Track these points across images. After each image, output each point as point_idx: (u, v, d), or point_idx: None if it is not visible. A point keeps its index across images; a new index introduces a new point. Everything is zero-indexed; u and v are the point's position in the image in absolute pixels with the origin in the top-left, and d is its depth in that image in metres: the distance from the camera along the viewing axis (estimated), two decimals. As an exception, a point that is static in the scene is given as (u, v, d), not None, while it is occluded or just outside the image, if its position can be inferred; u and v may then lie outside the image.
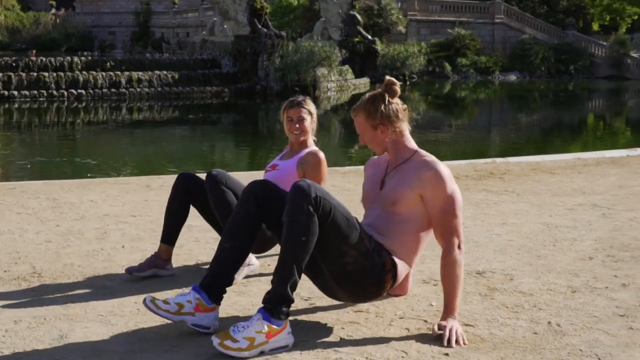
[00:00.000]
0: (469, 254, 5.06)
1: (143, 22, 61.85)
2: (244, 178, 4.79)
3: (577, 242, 5.44)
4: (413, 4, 48.50)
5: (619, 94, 39.60)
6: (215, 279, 3.65)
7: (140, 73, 26.78)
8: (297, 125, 4.78)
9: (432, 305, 4.03)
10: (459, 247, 3.67)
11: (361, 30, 39.74)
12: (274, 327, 3.36)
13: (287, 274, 3.37)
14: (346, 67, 33.32)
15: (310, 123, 4.83)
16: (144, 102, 25.49)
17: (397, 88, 3.82)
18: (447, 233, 3.67)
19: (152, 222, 6.08)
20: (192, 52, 33.52)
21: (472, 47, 47.58)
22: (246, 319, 3.57)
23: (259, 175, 8.49)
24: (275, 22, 38.42)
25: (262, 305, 3.41)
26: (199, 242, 5.46)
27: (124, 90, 25.92)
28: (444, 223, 3.67)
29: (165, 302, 3.59)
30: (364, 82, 34.93)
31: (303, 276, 3.52)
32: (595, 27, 60.75)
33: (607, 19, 59.27)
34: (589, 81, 47.15)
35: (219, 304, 3.65)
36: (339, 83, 31.23)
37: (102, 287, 4.35)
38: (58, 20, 61.87)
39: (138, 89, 26.22)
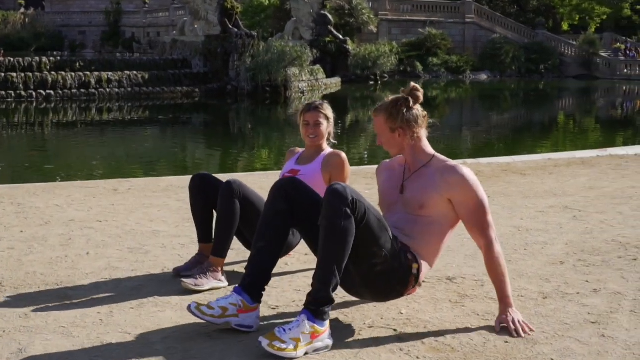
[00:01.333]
0: (439, 258, 4.99)
1: (113, 22, 61.41)
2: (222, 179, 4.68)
3: (548, 246, 5.40)
4: (384, 4, 48.56)
5: (588, 93, 39.87)
6: (254, 280, 3.69)
7: (110, 73, 26.55)
8: (313, 130, 4.77)
9: (401, 313, 3.95)
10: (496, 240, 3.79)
11: (332, 30, 39.70)
12: (318, 327, 3.43)
13: (329, 276, 3.44)
14: (317, 66, 33.24)
15: (327, 127, 4.82)
16: (113, 103, 25.27)
17: (421, 95, 3.87)
18: (485, 229, 3.78)
19: (118, 227, 5.97)
20: (162, 52, 33.31)
21: (443, 47, 47.74)
22: (204, 326, 3.50)
23: (237, 177, 8.40)
24: (246, 21, 38.29)
25: (305, 307, 3.47)
26: (165, 248, 5.35)
27: (93, 90, 25.67)
28: (480, 221, 3.77)
29: (210, 307, 3.62)
30: (336, 82, 34.90)
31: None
32: (565, 26, 61.12)
33: (577, 18, 59.68)
34: (559, 80, 47.47)
35: (260, 302, 3.71)
36: (311, 83, 31.15)
37: (65, 296, 4.23)
38: (27, 19, 61.29)
39: (108, 90, 25.98)
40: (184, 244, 5.45)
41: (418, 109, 3.87)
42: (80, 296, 4.24)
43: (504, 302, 3.77)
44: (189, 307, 3.63)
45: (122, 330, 3.67)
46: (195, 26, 32.92)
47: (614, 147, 14.52)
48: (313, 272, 3.50)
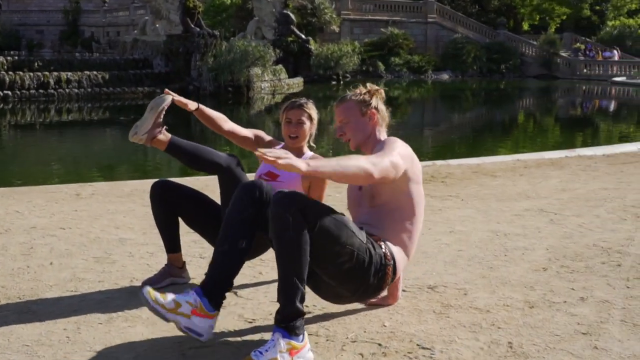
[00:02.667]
0: (418, 265, 4.85)
1: (72, 21, 60.69)
2: (186, 184, 4.46)
3: (529, 252, 5.26)
4: (346, 3, 48.52)
5: (549, 93, 40.12)
6: (215, 286, 3.43)
7: (69, 73, 26.13)
8: (295, 129, 4.45)
9: (385, 325, 3.78)
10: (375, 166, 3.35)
11: (295, 29, 39.55)
12: (295, 343, 3.25)
13: (293, 290, 3.26)
14: (280, 66, 33.07)
15: (310, 128, 4.51)
16: (73, 104, 24.85)
17: (384, 95, 3.93)
18: (378, 154, 3.50)
19: (82, 235, 5.72)
20: (123, 52, 32.88)
21: (405, 47, 47.86)
22: (178, 343, 3.30)
23: (203, 180, 8.19)
24: (208, 21, 38.01)
25: (276, 324, 3.27)
26: (133, 257, 5.12)
27: (52, 91, 25.23)
28: (380, 152, 3.53)
29: (164, 295, 3.32)
30: (298, 81, 34.73)
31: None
32: (526, 26, 61.65)
33: (537, 18, 60.21)
34: (520, 80, 47.79)
35: (219, 311, 3.44)
36: (273, 83, 30.96)
37: (28, 311, 3.98)
38: (-17, 18, 60.31)
39: (67, 90, 25.56)
40: (153, 252, 5.23)
41: (384, 106, 3.93)
42: (44, 311, 4.00)
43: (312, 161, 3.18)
44: (141, 292, 3.32)
45: (90, 349, 3.45)
46: (157, 25, 32.54)
47: (579, 147, 14.55)
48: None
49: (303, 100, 4.54)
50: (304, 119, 4.44)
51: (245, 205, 3.48)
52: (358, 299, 3.76)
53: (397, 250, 3.68)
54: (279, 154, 2.96)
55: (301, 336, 3.28)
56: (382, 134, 3.88)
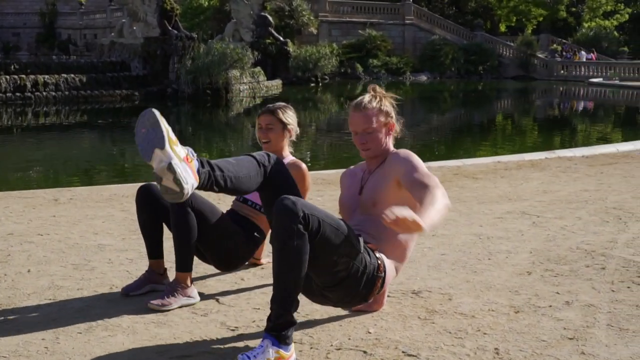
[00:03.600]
0: (401, 271, 4.79)
1: (49, 23, 60.31)
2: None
3: (513, 255, 5.23)
4: (324, 5, 48.50)
5: (527, 93, 40.30)
6: (212, 171, 3.52)
7: (46, 76, 25.95)
8: (265, 134, 4.52)
9: (369, 332, 3.72)
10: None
11: (273, 31, 39.50)
12: (283, 352, 3.23)
13: (288, 298, 3.24)
14: (258, 69, 33.01)
15: (282, 133, 4.54)
16: (50, 107, 24.66)
17: None
18: (428, 180, 3.50)
19: (60, 241, 5.64)
20: (100, 55, 32.71)
21: (383, 48, 47.93)
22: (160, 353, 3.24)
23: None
24: (185, 23, 37.84)
25: (267, 332, 3.25)
26: (112, 264, 5.04)
27: (29, 94, 25.03)
28: (423, 178, 3.54)
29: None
30: (276, 83, 34.68)
31: None
32: (502, 28, 61.91)
33: (514, 20, 60.47)
34: (497, 81, 47.97)
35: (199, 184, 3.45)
36: (251, 85, 30.88)
37: (5, 321, 3.90)
38: (-42, 21, 59.81)
39: (44, 93, 25.37)
40: (132, 258, 5.15)
41: None
42: (21, 320, 3.91)
43: (424, 214, 3.19)
44: (150, 110, 3.39)
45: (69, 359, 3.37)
46: (134, 28, 32.37)
47: (558, 148, 14.58)
48: (270, 289, 3.26)
49: (277, 105, 4.60)
50: (274, 124, 4.50)
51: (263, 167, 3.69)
52: (341, 305, 3.78)
53: (389, 264, 3.67)
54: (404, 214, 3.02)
55: (290, 346, 3.26)
56: (391, 144, 3.87)
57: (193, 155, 3.40)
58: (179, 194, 3.27)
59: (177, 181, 3.24)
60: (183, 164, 3.30)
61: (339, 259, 3.39)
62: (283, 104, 4.68)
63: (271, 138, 4.51)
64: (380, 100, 3.76)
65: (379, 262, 3.59)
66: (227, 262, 4.49)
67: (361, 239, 3.52)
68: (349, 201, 3.90)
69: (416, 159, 3.67)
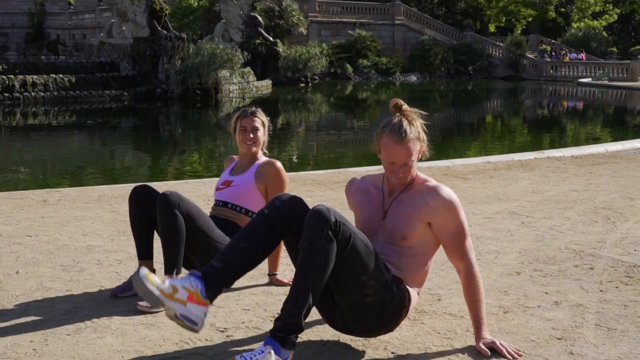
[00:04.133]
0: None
1: (37, 24, 60.09)
2: (159, 188, 4.38)
3: (502, 255, 5.24)
4: (314, 6, 48.48)
5: (516, 93, 40.37)
6: (217, 275, 3.26)
7: (35, 76, 25.85)
8: (251, 136, 4.58)
9: (359, 333, 3.72)
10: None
11: (262, 31, 39.46)
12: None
13: (303, 301, 3.16)
14: (248, 69, 33.00)
15: (263, 134, 4.64)
16: (39, 107, 24.57)
17: None
18: (465, 253, 3.53)
19: (49, 242, 5.62)
20: (89, 55, 32.58)
21: (373, 48, 47.94)
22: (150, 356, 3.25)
23: (173, 185, 8.11)
24: (174, 23, 37.82)
25: (273, 332, 3.18)
26: (101, 265, 5.03)
27: (17, 94, 24.94)
28: (460, 245, 3.52)
29: (162, 280, 3.19)
30: (266, 84, 34.68)
31: None
32: (492, 28, 62.02)
33: (503, 20, 60.56)
34: (487, 81, 48.06)
35: (212, 301, 3.26)
36: (241, 85, 30.86)
37: (-6, 322, 3.89)
38: (-54, 21, 59.54)
39: (33, 93, 25.28)
40: (121, 259, 5.14)
41: None
42: (10, 322, 3.90)
43: (483, 326, 3.53)
44: (137, 274, 3.14)
45: (58, 361, 3.37)
46: (123, 28, 32.26)
47: (547, 148, 14.61)
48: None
49: (254, 108, 4.69)
50: (258, 125, 4.59)
51: (280, 214, 3.39)
52: (366, 335, 3.59)
53: (413, 293, 3.57)
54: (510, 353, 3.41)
55: (290, 352, 3.19)
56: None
57: (195, 284, 3.20)
58: (195, 330, 3.22)
59: (188, 326, 3.17)
60: (189, 305, 3.15)
61: (368, 280, 3.30)
62: (255, 107, 4.78)
63: (255, 140, 4.60)
64: (411, 125, 3.48)
65: (406, 294, 3.49)
66: None
67: (389, 269, 3.44)
68: (370, 223, 3.63)
69: (459, 213, 3.50)
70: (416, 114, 3.55)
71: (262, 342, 3.23)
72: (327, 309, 3.51)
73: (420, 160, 3.57)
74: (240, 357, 3.12)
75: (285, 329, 3.16)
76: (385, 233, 3.56)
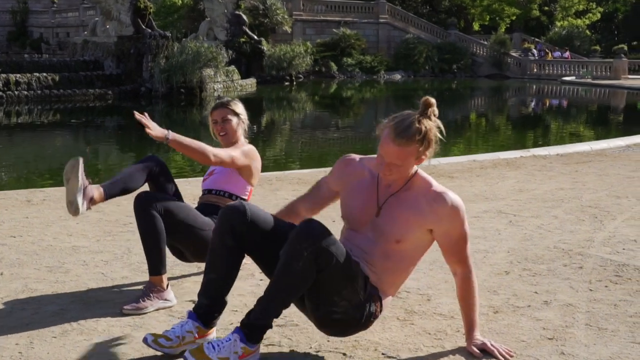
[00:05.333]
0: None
1: (20, 22, 59.70)
2: (143, 188, 4.33)
3: (490, 255, 5.22)
4: (298, 4, 48.45)
5: (501, 92, 40.47)
6: (207, 311, 3.43)
7: (18, 75, 25.63)
8: (222, 127, 4.58)
9: (349, 334, 3.69)
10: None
11: (247, 30, 39.37)
12: (249, 348, 3.21)
13: (273, 309, 3.19)
14: (232, 67, 32.91)
15: (238, 124, 4.62)
16: (22, 106, 24.39)
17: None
18: (464, 258, 3.48)
19: (34, 243, 5.56)
20: (73, 53, 32.35)
21: (358, 47, 47.95)
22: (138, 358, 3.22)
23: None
24: (159, 22, 37.67)
25: (241, 326, 3.22)
26: (87, 265, 4.98)
27: (0, 93, 24.72)
28: (461, 250, 3.46)
29: (167, 338, 3.37)
30: (251, 82, 34.62)
31: None
32: (476, 27, 62.20)
33: (487, 19, 60.74)
34: (471, 80, 48.16)
35: (215, 326, 3.52)
36: (226, 84, 30.75)
37: (-22, 325, 3.84)
38: None
39: (16, 92, 25.06)
40: (107, 260, 5.09)
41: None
42: (-5, 324, 3.85)
43: (475, 329, 3.52)
44: (145, 340, 3.36)
45: (44, 365, 3.32)
46: (107, 26, 32.10)
47: (532, 146, 14.65)
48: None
49: (227, 99, 4.71)
50: (229, 116, 4.59)
51: (225, 237, 3.31)
52: (330, 335, 3.53)
53: (385, 300, 3.46)
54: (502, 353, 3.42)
55: (257, 344, 3.25)
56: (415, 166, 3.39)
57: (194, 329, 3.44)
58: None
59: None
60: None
61: (340, 301, 3.23)
62: (230, 98, 4.78)
63: (228, 130, 4.58)
64: (424, 136, 3.20)
65: (377, 307, 3.38)
66: (203, 253, 4.39)
67: (368, 285, 3.33)
68: (360, 217, 3.43)
69: (464, 219, 3.42)
70: (437, 126, 3.27)
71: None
72: (298, 303, 3.42)
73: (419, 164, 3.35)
74: (209, 344, 3.16)
75: (250, 327, 3.19)
76: (376, 231, 3.37)
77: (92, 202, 4.09)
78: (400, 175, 3.32)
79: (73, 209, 4.00)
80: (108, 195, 4.20)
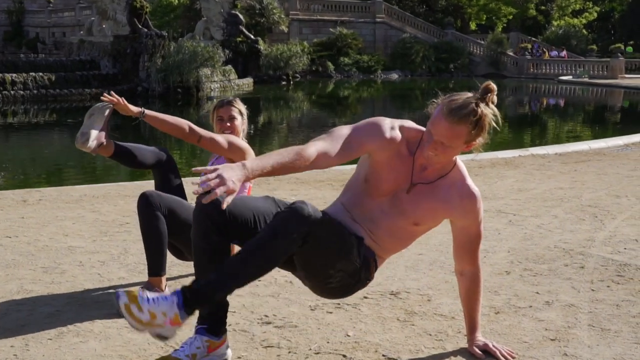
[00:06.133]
0: (379, 271, 4.70)
1: (16, 21, 59.57)
2: (142, 188, 4.28)
3: (491, 255, 5.17)
4: (295, 4, 48.40)
5: (498, 91, 40.22)
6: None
7: (14, 75, 25.57)
8: (229, 124, 4.51)
9: (348, 335, 3.64)
10: None
11: (243, 29, 39.33)
12: (214, 340, 3.17)
13: (234, 284, 2.98)
14: (229, 67, 32.85)
15: (241, 123, 4.58)
16: (18, 106, 24.33)
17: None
18: (476, 258, 3.47)
19: (29, 243, 5.50)
20: (69, 53, 32.33)
21: (354, 46, 47.89)
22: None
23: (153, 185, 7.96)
24: (155, 21, 37.57)
25: (199, 323, 3.17)
26: (83, 266, 4.92)
27: (-4, 93, 24.68)
28: (475, 250, 3.44)
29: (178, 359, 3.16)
30: (248, 82, 34.58)
31: None
32: (473, 26, 62.15)
33: (484, 18, 60.69)
34: (468, 79, 48.00)
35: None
36: (223, 84, 30.71)
37: (-27, 327, 3.78)
38: None
39: (12, 92, 25.00)
40: (104, 261, 5.03)
41: None
42: (-10, 326, 3.79)
43: (477, 327, 3.49)
44: (116, 302, 3.00)
45: (39, 367, 3.27)
46: (103, 26, 32.08)
47: (530, 146, 14.60)
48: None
49: (231, 97, 4.68)
50: (235, 114, 4.54)
51: (211, 234, 3.09)
52: (322, 297, 3.47)
53: (381, 262, 3.39)
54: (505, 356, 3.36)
55: (222, 335, 3.21)
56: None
57: (173, 308, 2.96)
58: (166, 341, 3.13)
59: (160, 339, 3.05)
60: (166, 327, 2.97)
61: (335, 273, 3.16)
62: (232, 97, 4.75)
63: (233, 128, 4.53)
64: (478, 119, 3.02)
65: (373, 272, 3.32)
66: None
67: (362, 249, 3.21)
68: (389, 189, 3.23)
69: (482, 220, 3.37)
70: (492, 113, 3.08)
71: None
72: (290, 268, 3.26)
73: (466, 152, 3.27)
74: (175, 352, 3.12)
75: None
76: (396, 207, 3.23)
77: (100, 146, 4.16)
78: (445, 158, 3.16)
79: (83, 139, 4.11)
80: (116, 152, 4.27)
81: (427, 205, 3.22)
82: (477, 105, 3.03)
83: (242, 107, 4.61)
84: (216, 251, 3.10)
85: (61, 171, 12.92)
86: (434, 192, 3.21)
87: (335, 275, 3.17)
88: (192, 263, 4.57)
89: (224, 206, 2.70)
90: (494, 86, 3.12)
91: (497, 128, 3.11)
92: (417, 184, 3.21)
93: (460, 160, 3.30)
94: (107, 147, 4.23)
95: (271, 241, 2.92)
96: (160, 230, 4.02)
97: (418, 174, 3.22)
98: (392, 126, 3.21)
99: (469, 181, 3.28)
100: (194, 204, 4.24)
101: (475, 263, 3.46)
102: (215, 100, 26.90)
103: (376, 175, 3.23)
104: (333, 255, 3.12)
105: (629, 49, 53.65)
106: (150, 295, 2.93)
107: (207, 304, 3.03)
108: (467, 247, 3.41)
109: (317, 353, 3.45)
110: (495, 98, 3.11)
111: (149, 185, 8.04)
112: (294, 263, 3.15)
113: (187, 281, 4.52)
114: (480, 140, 3.11)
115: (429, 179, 3.22)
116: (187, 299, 2.91)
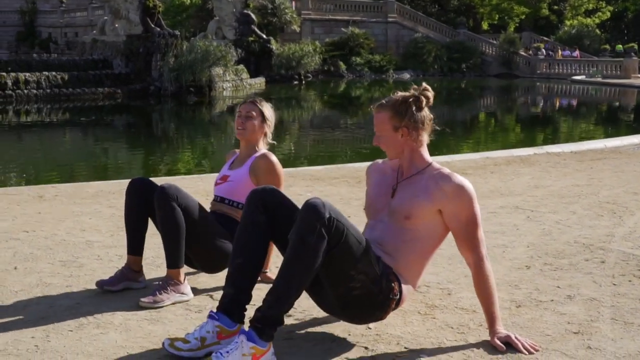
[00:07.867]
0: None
1: (29, 22, 59.81)
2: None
3: (510, 250, 5.14)
4: (307, 3, 48.42)
5: (510, 91, 40.34)
6: (234, 300, 3.35)
7: (27, 74, 25.67)
8: (243, 121, 4.40)
9: (369, 328, 3.62)
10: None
11: (256, 29, 39.34)
12: (259, 347, 3.10)
13: (286, 297, 3.12)
14: (241, 66, 32.89)
15: (261, 125, 4.44)
16: (32, 105, 24.43)
17: (432, 96, 3.51)
18: (476, 245, 3.47)
19: (46, 237, 5.50)
20: (82, 53, 32.44)
21: (366, 46, 47.87)
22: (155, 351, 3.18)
23: (172, 180, 7.94)
24: (167, 21, 37.59)
25: (252, 321, 3.14)
26: (101, 260, 4.92)
27: (10, 92, 24.75)
28: (472, 235, 3.46)
29: (185, 340, 3.28)
30: (260, 81, 34.60)
31: None
32: (485, 26, 62.03)
33: (496, 18, 60.56)
34: (480, 79, 48.01)
35: (243, 323, 3.37)
36: (235, 83, 30.74)
37: (-7, 319, 3.77)
38: (-64, 19, 59.17)
39: (25, 91, 25.10)
40: (121, 255, 5.01)
41: (426, 111, 3.52)
42: (10, 318, 3.78)
43: (497, 320, 3.45)
44: (163, 344, 3.28)
45: (61, 358, 3.26)
46: (116, 25, 32.14)
47: (544, 144, 14.53)
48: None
49: (258, 98, 4.56)
50: (254, 113, 4.42)
51: (257, 213, 3.37)
52: (352, 322, 3.56)
53: (405, 284, 3.47)
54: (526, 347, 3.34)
55: (268, 342, 3.14)
56: (423, 146, 3.56)
57: (218, 323, 3.34)
58: None
59: None
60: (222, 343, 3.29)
61: (357, 275, 3.24)
62: (261, 98, 4.63)
63: (247, 127, 4.40)
64: (395, 103, 3.46)
65: (394, 285, 3.39)
66: (212, 262, 4.30)
67: (381, 261, 3.37)
68: (378, 200, 3.59)
69: (472, 201, 3.45)
70: (424, 93, 3.48)
71: (277, 340, 3.16)
72: (317, 292, 3.44)
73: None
74: (217, 353, 3.07)
75: (263, 321, 3.11)
76: (390, 211, 3.50)
77: None
78: (390, 150, 3.52)
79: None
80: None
81: (409, 194, 3.47)
82: (407, 99, 3.45)
83: (267, 110, 4.46)
84: (260, 231, 3.34)
85: (74, 169, 12.95)
86: (413, 184, 3.49)
87: (357, 277, 3.24)
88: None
89: None
90: (427, 86, 3.53)
91: (425, 119, 3.50)
92: (398, 183, 3.54)
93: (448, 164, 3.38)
94: None
95: (301, 241, 3.09)
96: (178, 222, 4.01)
97: (399, 180, 3.56)
98: (375, 163, 3.83)
99: (446, 170, 3.50)
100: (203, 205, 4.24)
101: (475, 250, 3.45)
102: (226, 102, 26.99)
103: (367, 197, 3.68)
104: (353, 249, 3.20)
105: None
106: (221, 350, 3.07)
107: (277, 325, 3.16)
108: (463, 235, 3.45)
109: (339, 345, 3.42)
110: (428, 93, 3.49)
111: (163, 181, 8.05)
112: (318, 286, 3.32)
113: (205, 278, 4.51)
114: (410, 126, 3.45)
115: (406, 176, 3.54)
116: (259, 330, 3.09)
